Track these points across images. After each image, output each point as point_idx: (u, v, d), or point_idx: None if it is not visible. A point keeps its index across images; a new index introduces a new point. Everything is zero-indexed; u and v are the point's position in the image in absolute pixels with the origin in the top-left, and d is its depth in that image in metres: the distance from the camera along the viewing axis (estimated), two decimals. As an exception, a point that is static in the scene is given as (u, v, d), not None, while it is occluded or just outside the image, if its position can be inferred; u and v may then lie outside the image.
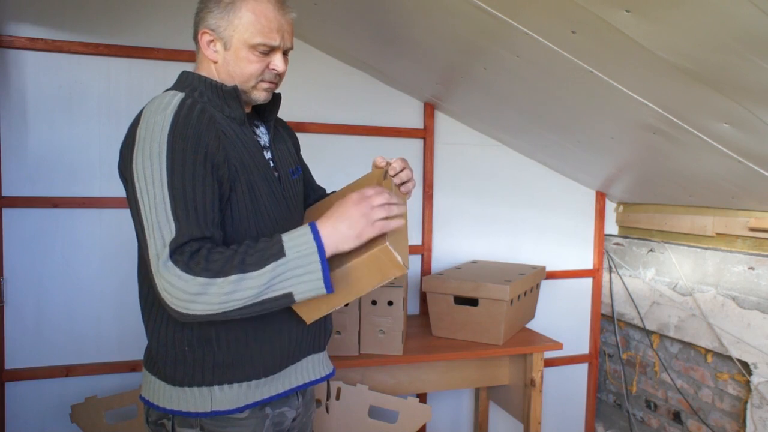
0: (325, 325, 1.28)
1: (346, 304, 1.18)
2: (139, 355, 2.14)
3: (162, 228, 0.98)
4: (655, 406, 2.55)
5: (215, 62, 1.13)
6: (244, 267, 0.96)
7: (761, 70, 1.16)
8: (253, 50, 1.10)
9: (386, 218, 1.03)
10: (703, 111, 1.45)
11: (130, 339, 2.13)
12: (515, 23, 1.39)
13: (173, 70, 2.16)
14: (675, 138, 1.69)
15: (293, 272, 0.98)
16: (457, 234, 2.58)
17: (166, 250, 0.96)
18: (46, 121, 2.02)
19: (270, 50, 1.12)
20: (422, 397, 2.47)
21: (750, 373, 2.04)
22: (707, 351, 2.26)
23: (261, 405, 1.15)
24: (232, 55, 1.11)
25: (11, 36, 1.95)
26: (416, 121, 2.49)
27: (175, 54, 2.12)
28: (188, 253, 0.96)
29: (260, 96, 1.17)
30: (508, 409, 2.29)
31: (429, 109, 2.48)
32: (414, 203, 2.51)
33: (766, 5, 0.97)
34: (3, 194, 1.98)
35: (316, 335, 1.26)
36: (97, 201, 2.07)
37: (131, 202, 1.04)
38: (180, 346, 1.11)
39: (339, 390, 1.87)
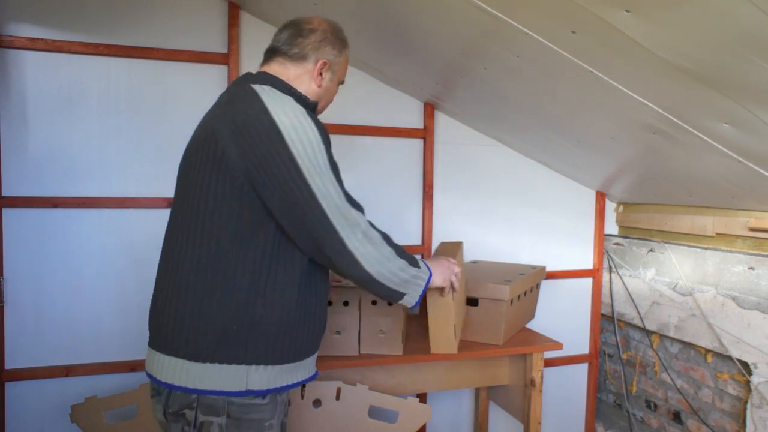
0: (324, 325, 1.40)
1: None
2: (139, 355, 2.14)
3: (352, 222, 1.22)
4: (655, 406, 2.55)
5: (319, 86, 1.37)
6: (407, 259, 1.32)
7: (761, 70, 1.16)
8: (338, 85, 1.46)
9: (452, 283, 1.54)
10: (703, 111, 1.45)
11: (130, 339, 2.13)
12: (515, 23, 1.39)
13: (173, 70, 2.18)
14: (675, 138, 1.69)
15: (416, 282, 1.36)
16: (457, 234, 2.58)
17: (362, 225, 1.24)
18: (46, 121, 2.02)
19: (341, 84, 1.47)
20: (422, 397, 2.48)
21: (750, 373, 2.04)
22: (707, 351, 2.26)
23: (279, 391, 1.27)
24: (332, 85, 1.41)
25: (11, 36, 1.95)
26: (416, 121, 2.49)
27: (175, 54, 2.12)
28: (376, 228, 1.28)
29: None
30: (508, 409, 2.29)
31: (429, 109, 2.48)
32: (414, 203, 2.52)
33: (766, 5, 0.97)
34: (3, 194, 1.98)
35: (322, 334, 1.38)
36: (97, 201, 2.07)
37: (291, 186, 1.17)
38: (229, 325, 1.19)
39: (339, 390, 1.87)
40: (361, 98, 2.38)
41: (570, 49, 1.42)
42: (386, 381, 2.04)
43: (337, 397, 1.86)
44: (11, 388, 2.02)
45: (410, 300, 1.36)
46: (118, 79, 2.09)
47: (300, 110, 1.22)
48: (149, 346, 1.30)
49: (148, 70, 2.12)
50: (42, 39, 1.98)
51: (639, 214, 2.65)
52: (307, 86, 1.35)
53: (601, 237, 2.80)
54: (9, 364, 2.01)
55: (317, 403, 1.86)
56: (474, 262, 2.52)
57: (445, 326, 1.74)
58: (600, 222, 2.79)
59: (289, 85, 1.32)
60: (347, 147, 2.39)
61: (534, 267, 2.36)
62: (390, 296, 1.32)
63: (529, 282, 2.21)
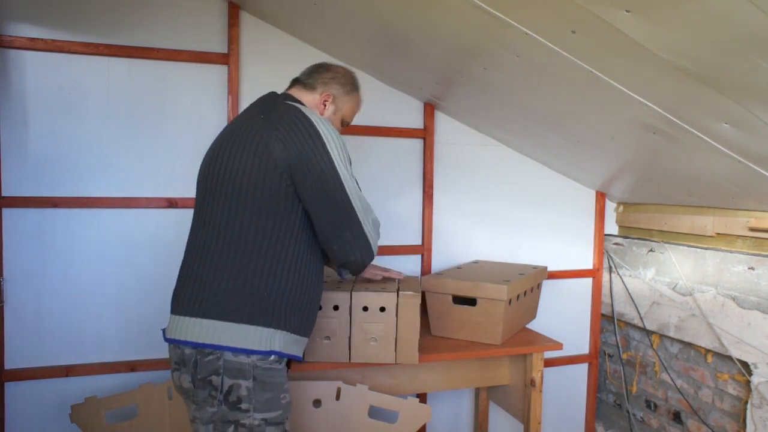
0: None
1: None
2: (139, 355, 2.14)
3: (367, 209, 1.49)
4: (655, 406, 2.55)
5: (321, 114, 1.59)
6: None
7: (761, 70, 1.16)
8: (341, 122, 1.67)
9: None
10: (703, 111, 1.45)
11: (130, 339, 2.13)
12: (515, 23, 1.39)
13: (173, 70, 2.18)
14: (675, 138, 1.69)
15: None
16: (457, 234, 2.58)
17: (373, 213, 1.52)
18: (46, 121, 2.02)
19: (345, 126, 1.70)
20: (422, 397, 2.48)
21: (750, 373, 2.04)
22: (707, 351, 2.26)
23: (290, 358, 1.44)
24: (333, 118, 1.63)
25: (11, 36, 1.95)
26: (416, 121, 2.49)
27: (175, 54, 2.12)
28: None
29: None
30: (508, 409, 2.29)
31: (429, 109, 2.48)
32: (414, 203, 2.52)
33: (766, 5, 0.97)
34: (3, 194, 1.98)
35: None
36: (97, 201, 2.07)
37: (326, 175, 1.40)
38: (261, 291, 1.37)
39: (339, 390, 1.87)
40: (361, 98, 2.38)
41: (570, 49, 1.42)
42: (386, 381, 2.04)
43: (337, 397, 1.86)
44: (11, 388, 2.02)
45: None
46: (118, 79, 2.09)
47: (327, 120, 1.50)
48: (175, 314, 1.42)
49: (148, 70, 2.12)
50: (42, 39, 1.98)
51: (639, 214, 2.65)
52: (317, 112, 1.56)
53: (601, 237, 2.80)
54: (9, 364, 2.01)
55: (317, 403, 1.86)
56: (476, 261, 2.52)
57: (411, 340, 1.82)
58: (600, 222, 2.79)
59: (308, 107, 1.54)
60: (347, 147, 2.38)
61: (535, 267, 2.36)
62: (356, 272, 1.64)
63: (529, 282, 2.21)
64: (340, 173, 1.41)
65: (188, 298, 1.40)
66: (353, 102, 1.68)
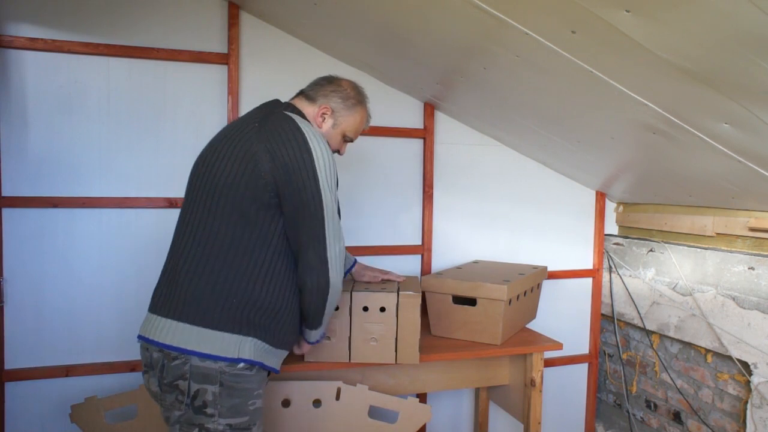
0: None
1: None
2: (138, 355, 2.13)
3: (337, 236, 1.44)
4: (655, 406, 2.55)
5: (320, 126, 1.57)
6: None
7: (761, 70, 1.16)
8: (343, 137, 1.63)
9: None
10: (703, 111, 1.45)
11: (130, 339, 2.13)
12: (515, 23, 1.39)
13: (173, 70, 2.18)
14: (675, 138, 1.69)
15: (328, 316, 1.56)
16: (457, 234, 2.58)
17: (342, 241, 1.46)
18: (46, 121, 2.02)
19: (348, 141, 1.66)
20: (422, 397, 2.48)
21: (750, 373, 2.04)
22: (707, 351, 2.26)
23: (263, 367, 1.41)
24: (332, 133, 1.60)
25: (11, 36, 1.95)
26: (416, 121, 2.49)
27: (175, 54, 2.12)
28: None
29: None
30: (508, 409, 2.29)
31: (429, 109, 2.48)
32: (414, 203, 2.52)
33: (766, 5, 0.97)
34: (3, 194, 1.98)
35: (296, 338, 1.57)
36: (97, 201, 2.07)
37: (306, 193, 1.38)
38: (230, 298, 1.35)
39: (339, 390, 1.87)
40: (361, 98, 2.38)
41: (570, 49, 1.42)
42: (386, 381, 2.04)
43: (337, 397, 1.86)
44: (11, 388, 2.02)
45: (314, 335, 1.59)
46: (118, 79, 2.09)
47: (322, 135, 1.46)
48: (150, 312, 1.42)
49: (148, 70, 2.12)
50: (42, 39, 1.98)
51: (639, 214, 2.65)
52: (315, 125, 1.56)
53: (601, 237, 2.80)
54: (9, 364, 2.01)
55: (317, 403, 1.86)
56: (476, 261, 2.52)
57: (411, 339, 1.82)
58: (600, 222, 2.79)
59: (307, 119, 1.55)
60: (348, 147, 2.38)
61: (535, 267, 2.36)
62: (316, 317, 1.51)
63: (529, 282, 2.21)
64: (322, 192, 1.39)
65: (162, 297, 1.41)
66: (356, 117, 1.63)
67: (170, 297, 1.38)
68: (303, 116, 1.53)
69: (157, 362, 1.36)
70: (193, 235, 1.40)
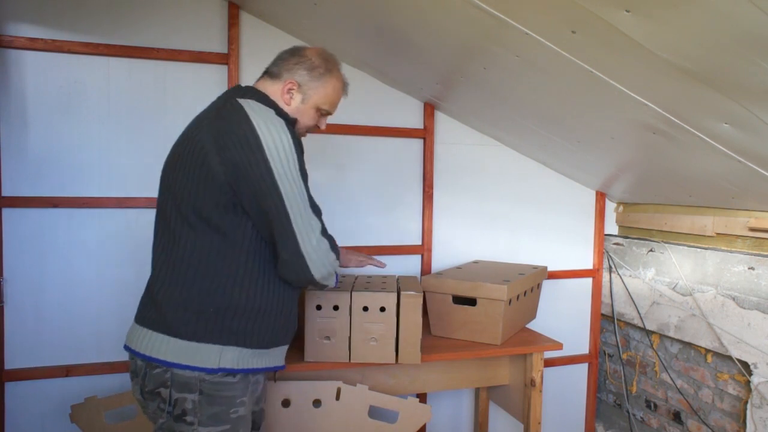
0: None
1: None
2: (139, 355, 2.14)
3: (308, 229, 1.31)
4: (655, 406, 2.55)
5: (288, 105, 1.44)
6: (337, 255, 1.41)
7: (761, 70, 1.16)
8: (318, 111, 1.49)
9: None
10: (703, 111, 1.45)
11: (130, 339, 2.13)
12: (515, 23, 1.39)
13: (173, 70, 2.18)
14: (675, 138, 1.69)
15: (335, 274, 1.45)
16: (457, 234, 2.58)
17: (317, 232, 1.33)
18: (46, 121, 2.02)
19: (325, 114, 1.52)
20: (422, 397, 2.48)
21: (750, 373, 2.04)
22: (707, 351, 2.26)
23: (249, 372, 1.37)
24: (303, 108, 1.46)
25: (11, 36, 1.95)
26: (416, 121, 2.49)
27: (175, 54, 2.12)
28: (326, 232, 1.36)
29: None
30: (508, 409, 2.29)
31: (429, 109, 2.48)
32: (414, 203, 2.52)
33: (766, 5, 0.97)
34: (3, 194, 1.98)
35: (294, 330, 1.50)
36: (97, 201, 2.07)
37: (263, 189, 1.27)
38: (207, 308, 1.30)
39: (339, 390, 1.87)
40: (361, 98, 2.38)
41: (570, 49, 1.42)
42: (386, 381, 2.04)
43: (337, 397, 1.86)
44: (11, 388, 2.02)
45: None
46: (118, 79, 2.09)
47: (279, 121, 1.32)
48: (135, 321, 1.40)
49: (148, 70, 2.12)
50: (42, 39, 1.98)
51: (639, 214, 2.65)
52: (283, 103, 1.45)
53: (601, 237, 2.80)
54: (9, 364, 2.01)
55: (317, 403, 1.86)
56: (476, 261, 2.52)
57: (413, 339, 1.82)
58: (600, 222, 2.79)
59: (271, 99, 1.43)
60: (347, 147, 2.39)
61: (535, 267, 2.36)
62: (316, 288, 1.51)
63: (529, 282, 2.21)
64: (279, 184, 1.27)
65: (144, 307, 1.38)
66: (327, 87, 1.47)
67: (151, 308, 1.35)
68: (266, 99, 1.41)
69: (140, 370, 1.33)
70: (163, 247, 1.35)
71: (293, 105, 1.45)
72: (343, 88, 1.53)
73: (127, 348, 1.37)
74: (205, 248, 1.30)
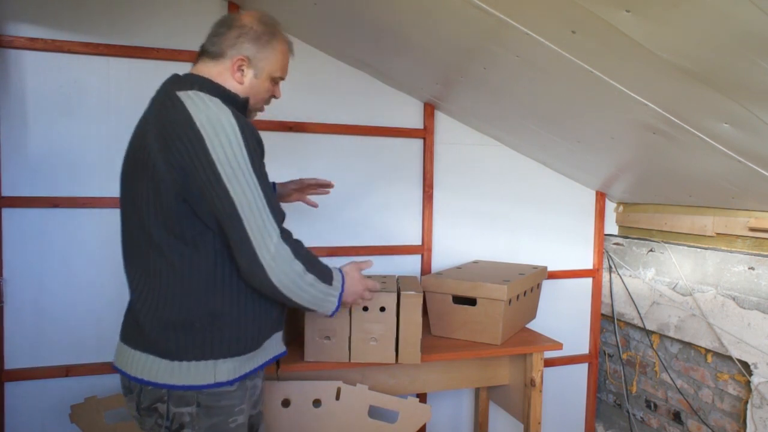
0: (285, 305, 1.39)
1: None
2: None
3: (262, 215, 1.19)
4: (655, 406, 2.55)
5: (240, 83, 1.32)
6: (317, 274, 1.27)
7: (761, 70, 1.16)
8: (272, 81, 1.37)
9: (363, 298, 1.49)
10: (703, 111, 1.45)
11: (130, 339, 2.13)
12: (515, 23, 1.39)
13: (173, 70, 2.15)
14: (675, 138, 1.69)
15: (327, 299, 1.32)
16: (457, 234, 2.58)
17: (275, 237, 1.20)
18: (46, 121, 2.02)
19: (279, 80, 1.40)
20: (422, 397, 2.48)
21: (750, 373, 2.04)
22: (707, 351, 2.26)
23: (246, 377, 1.32)
24: (257, 83, 1.34)
25: (11, 36, 1.95)
26: (416, 121, 2.49)
27: (175, 54, 2.12)
28: (290, 238, 1.23)
29: (255, 114, 1.43)
30: (508, 409, 2.29)
31: (429, 109, 2.48)
32: (414, 203, 2.52)
33: (766, 5, 0.97)
34: (3, 194, 1.98)
35: (282, 314, 1.41)
36: (97, 201, 2.07)
37: (211, 193, 1.17)
38: (191, 324, 1.24)
39: (339, 390, 1.87)
40: (361, 98, 2.38)
41: (570, 49, 1.42)
42: (386, 381, 2.04)
43: (337, 397, 1.86)
44: (11, 388, 2.02)
45: (323, 312, 1.36)
46: (118, 79, 2.09)
47: (225, 113, 1.20)
48: (120, 340, 1.32)
49: (148, 70, 2.12)
50: (42, 39, 1.98)
51: (639, 214, 2.65)
52: (232, 84, 1.32)
53: (601, 237, 2.80)
54: (9, 364, 2.01)
55: (317, 403, 1.86)
56: (476, 261, 2.52)
57: (413, 339, 1.82)
58: (600, 222, 2.79)
59: (217, 84, 1.30)
60: (348, 147, 2.39)
61: (535, 267, 2.36)
62: (301, 308, 1.33)
63: (529, 282, 2.21)
64: (227, 184, 1.16)
65: (129, 327, 1.31)
66: (276, 53, 1.35)
67: (135, 327, 1.28)
68: (211, 85, 1.28)
69: (135, 387, 1.28)
70: (137, 267, 1.28)
71: (246, 82, 1.33)
72: (290, 47, 1.41)
73: (117, 369, 1.31)
74: (176, 263, 1.22)
